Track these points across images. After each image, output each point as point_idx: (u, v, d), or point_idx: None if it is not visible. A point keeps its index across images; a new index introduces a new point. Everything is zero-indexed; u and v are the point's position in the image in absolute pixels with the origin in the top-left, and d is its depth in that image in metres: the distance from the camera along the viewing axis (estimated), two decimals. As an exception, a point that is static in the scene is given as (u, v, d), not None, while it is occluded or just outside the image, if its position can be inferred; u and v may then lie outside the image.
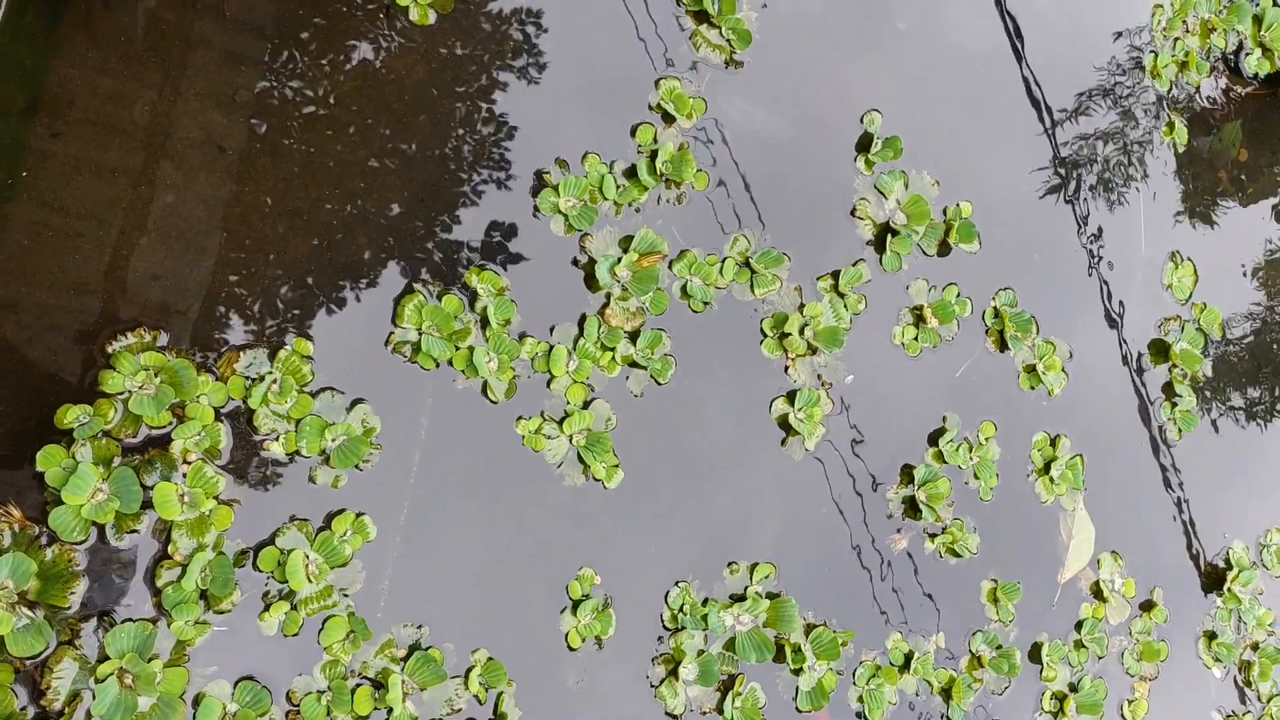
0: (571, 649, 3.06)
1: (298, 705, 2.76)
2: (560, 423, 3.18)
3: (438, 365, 3.09)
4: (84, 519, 2.65)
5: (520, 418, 3.15)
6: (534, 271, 3.24)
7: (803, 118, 3.63)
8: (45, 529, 2.63)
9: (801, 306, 3.50)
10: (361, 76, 3.15)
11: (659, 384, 3.32)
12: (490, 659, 2.96)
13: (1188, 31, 4.25)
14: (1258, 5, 4.33)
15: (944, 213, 3.77)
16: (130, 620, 2.65)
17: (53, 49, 2.88)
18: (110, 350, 2.76)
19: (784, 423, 3.45)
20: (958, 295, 3.75)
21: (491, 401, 3.13)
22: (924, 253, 3.74)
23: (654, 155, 3.36)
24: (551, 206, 3.28)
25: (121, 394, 2.74)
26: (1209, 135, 4.28)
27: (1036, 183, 3.96)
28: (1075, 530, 3.70)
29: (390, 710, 2.83)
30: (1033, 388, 3.76)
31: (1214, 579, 3.99)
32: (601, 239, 3.33)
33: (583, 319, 3.27)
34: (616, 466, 3.22)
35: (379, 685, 2.83)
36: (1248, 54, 4.31)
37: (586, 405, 3.22)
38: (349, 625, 2.84)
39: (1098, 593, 3.75)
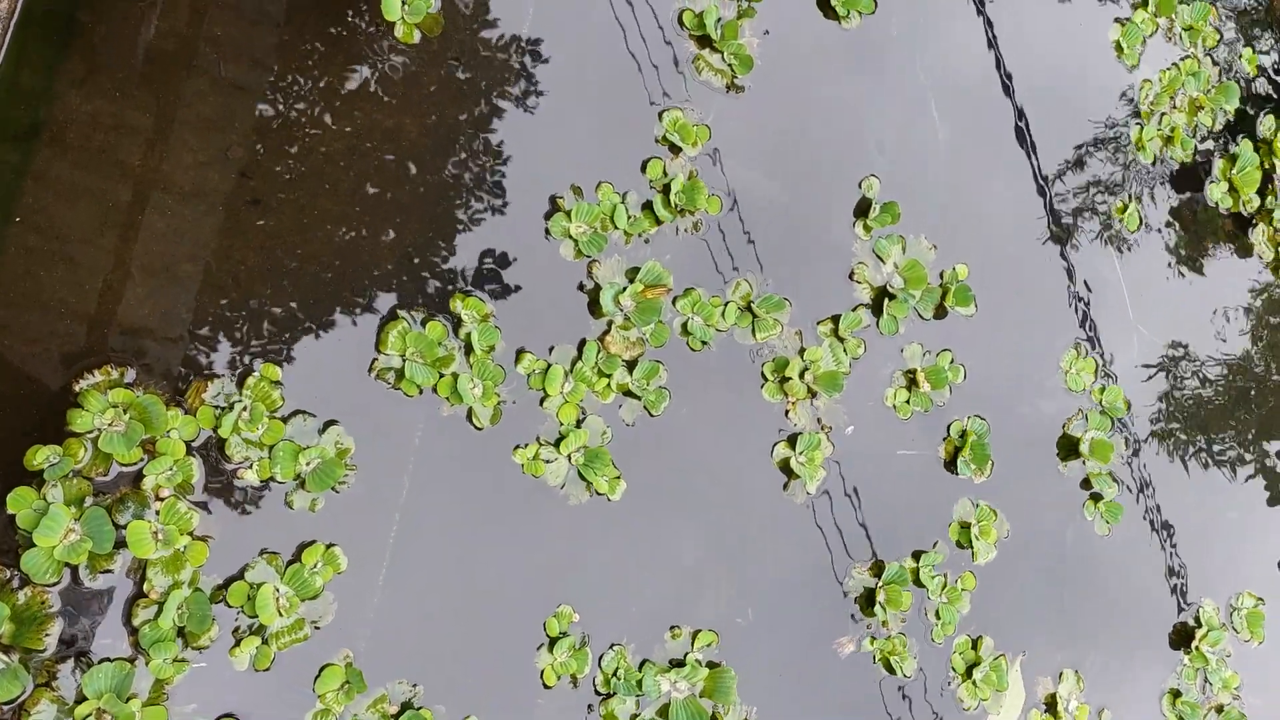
0: (547, 686, 3.01)
1: (283, 750, 2.76)
2: (557, 444, 3.09)
3: (421, 392, 2.98)
4: (57, 560, 2.61)
5: (517, 446, 3.07)
6: (538, 293, 3.16)
7: (801, 150, 3.52)
8: (17, 572, 2.59)
9: (802, 351, 3.37)
10: (358, 108, 3.04)
11: (651, 415, 3.20)
12: (478, 725, 2.94)
13: (1175, 108, 4.12)
14: (1236, 143, 4.17)
15: (940, 276, 3.64)
16: (107, 660, 2.63)
17: (53, 86, 2.80)
18: (77, 388, 2.68)
19: (785, 466, 3.33)
20: (951, 361, 3.60)
21: (476, 428, 3.03)
22: (920, 316, 3.59)
23: (667, 189, 3.29)
24: (563, 231, 3.21)
25: (91, 432, 2.67)
26: (1196, 204, 4.14)
27: (1031, 241, 3.85)
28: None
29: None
30: (959, 544, 3.53)
31: (1182, 636, 3.83)
32: (609, 267, 3.24)
33: (582, 343, 3.17)
34: (618, 478, 3.14)
35: (365, 739, 2.82)
36: (1213, 182, 4.14)
37: (579, 424, 3.12)
38: (345, 675, 2.81)
39: (1051, 705, 3.59)
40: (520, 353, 3.12)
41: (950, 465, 3.55)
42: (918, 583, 3.41)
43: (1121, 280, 3.93)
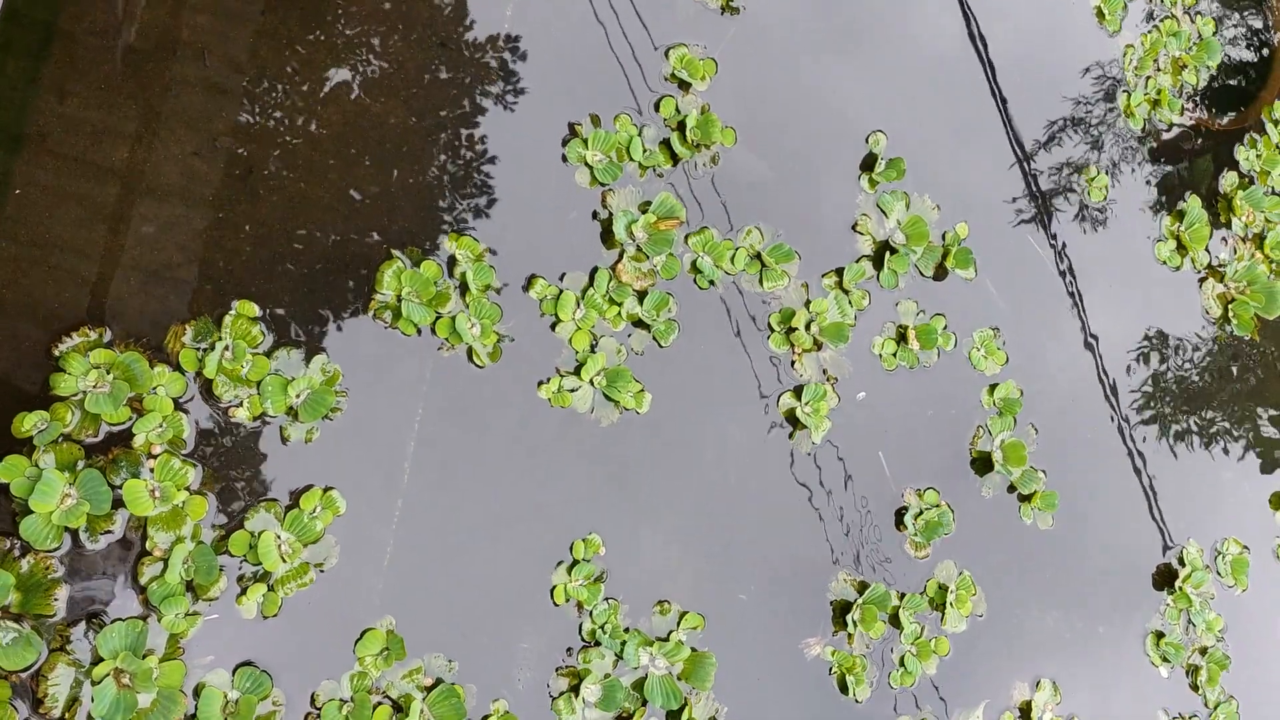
0: (555, 605, 2.96)
1: (319, 708, 2.74)
2: (577, 371, 3.02)
3: (419, 331, 2.85)
4: (55, 525, 2.55)
5: (541, 382, 3.00)
6: (550, 222, 3.07)
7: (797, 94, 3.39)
8: (17, 540, 2.54)
9: (808, 302, 3.25)
10: (351, 86, 2.92)
11: (660, 346, 3.09)
12: (507, 712, 2.88)
13: (1159, 70, 3.98)
14: (1185, 200, 3.94)
15: (943, 237, 3.50)
16: (120, 620, 2.61)
17: (35, 86, 2.68)
18: (57, 352, 2.55)
19: (791, 417, 3.21)
20: (944, 327, 3.46)
21: (478, 366, 2.91)
22: (921, 273, 3.45)
23: (682, 126, 3.18)
24: (579, 157, 3.11)
25: (76, 395, 2.56)
26: (1181, 170, 3.99)
27: (1014, 211, 3.71)
28: None
29: (405, 736, 2.83)
30: (930, 603, 3.32)
31: (1166, 576, 3.73)
32: (623, 196, 3.13)
33: (594, 271, 3.07)
34: (642, 391, 3.08)
35: (400, 708, 2.79)
36: (1160, 241, 3.92)
37: (593, 349, 3.04)
38: (385, 642, 2.79)
39: (1026, 712, 3.45)
40: (532, 278, 3.03)
41: (899, 515, 3.36)
42: (895, 623, 3.27)
43: (1081, 254, 3.79)
